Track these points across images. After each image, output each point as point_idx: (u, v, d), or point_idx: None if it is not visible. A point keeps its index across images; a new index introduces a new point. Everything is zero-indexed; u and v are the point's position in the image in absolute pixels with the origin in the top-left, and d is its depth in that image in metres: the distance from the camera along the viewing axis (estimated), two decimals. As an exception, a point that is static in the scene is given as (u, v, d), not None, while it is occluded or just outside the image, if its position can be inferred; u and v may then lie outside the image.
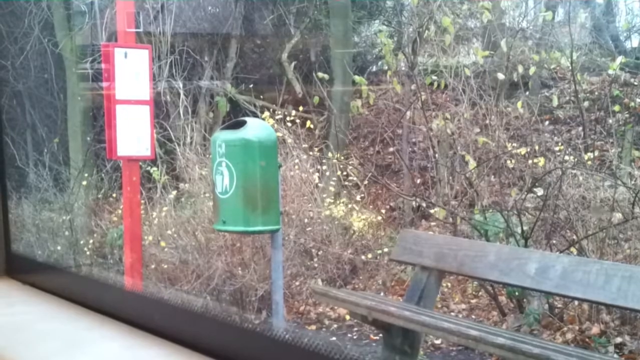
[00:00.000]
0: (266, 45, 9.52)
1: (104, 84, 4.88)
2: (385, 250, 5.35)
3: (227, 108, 8.81)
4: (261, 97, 9.00)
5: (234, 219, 4.06)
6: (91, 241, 5.65)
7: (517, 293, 4.77)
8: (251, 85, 8.89)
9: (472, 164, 6.45)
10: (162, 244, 4.96)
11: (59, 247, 5.67)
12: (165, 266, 4.90)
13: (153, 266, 5.17)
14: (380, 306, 3.93)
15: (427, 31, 7.87)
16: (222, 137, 4.11)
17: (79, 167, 6.99)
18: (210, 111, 8.98)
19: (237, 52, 9.12)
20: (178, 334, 1.52)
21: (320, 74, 8.48)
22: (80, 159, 7.57)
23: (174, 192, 5.79)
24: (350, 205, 5.97)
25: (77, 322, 1.83)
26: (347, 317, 4.86)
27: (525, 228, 4.90)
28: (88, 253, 5.54)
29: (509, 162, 6.12)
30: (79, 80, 7.90)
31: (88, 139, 7.81)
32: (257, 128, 4.15)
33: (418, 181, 6.68)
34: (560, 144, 6.79)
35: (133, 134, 4.78)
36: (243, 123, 4.15)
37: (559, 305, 4.67)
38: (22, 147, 7.30)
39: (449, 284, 5.39)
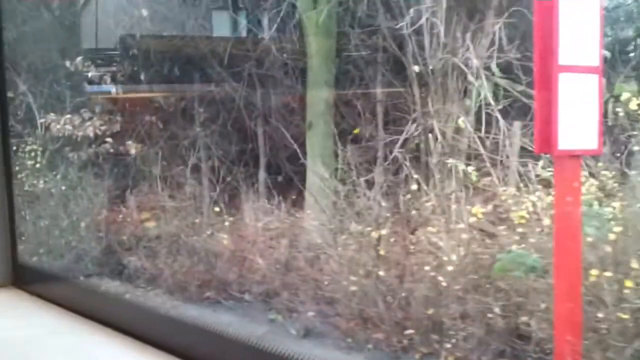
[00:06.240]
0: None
1: (535, 46, 3.38)
2: None
3: (490, 94, 7.26)
4: (523, 81, 7.42)
5: None
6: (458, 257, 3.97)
7: None
8: (516, 66, 7.29)
9: None
10: (628, 283, 3.30)
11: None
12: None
13: (544, 305, 3.61)
14: None
15: None
16: None
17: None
18: (464, 97, 7.45)
19: (495, 25, 7.52)
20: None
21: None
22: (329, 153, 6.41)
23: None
24: None
25: (86, 337, 2.01)
26: None
27: None
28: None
29: None
30: (326, 61, 6.66)
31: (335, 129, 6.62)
32: None
33: None
34: None
35: (578, 117, 3.23)
36: None
37: None
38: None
39: None
